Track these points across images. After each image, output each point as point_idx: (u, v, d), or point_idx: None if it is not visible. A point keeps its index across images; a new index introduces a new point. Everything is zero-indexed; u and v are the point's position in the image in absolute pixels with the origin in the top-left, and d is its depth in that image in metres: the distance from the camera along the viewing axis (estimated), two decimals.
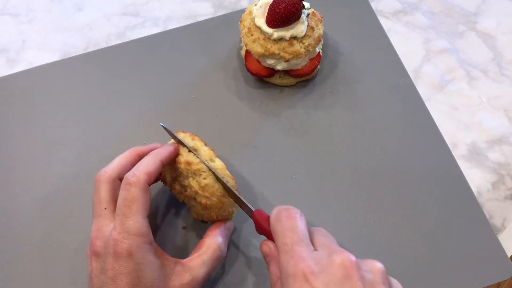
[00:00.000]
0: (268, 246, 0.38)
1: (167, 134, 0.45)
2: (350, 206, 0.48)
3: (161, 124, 0.44)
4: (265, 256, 0.38)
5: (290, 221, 0.35)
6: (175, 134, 0.43)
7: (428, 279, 0.45)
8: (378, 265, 0.33)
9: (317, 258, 0.33)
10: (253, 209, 0.40)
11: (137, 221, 0.36)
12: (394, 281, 0.34)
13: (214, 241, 0.41)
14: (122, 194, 0.37)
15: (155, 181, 0.44)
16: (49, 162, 0.51)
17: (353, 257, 0.32)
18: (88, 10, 0.65)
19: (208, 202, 0.40)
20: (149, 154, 0.40)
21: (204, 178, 0.40)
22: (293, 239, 0.34)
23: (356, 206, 0.48)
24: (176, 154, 0.41)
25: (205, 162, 0.40)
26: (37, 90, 0.56)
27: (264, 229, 0.39)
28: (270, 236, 0.38)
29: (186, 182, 0.41)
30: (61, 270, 0.46)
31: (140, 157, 0.42)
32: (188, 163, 0.40)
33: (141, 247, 0.35)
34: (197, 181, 0.40)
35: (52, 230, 0.48)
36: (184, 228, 0.47)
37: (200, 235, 0.44)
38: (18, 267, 0.46)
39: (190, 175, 0.40)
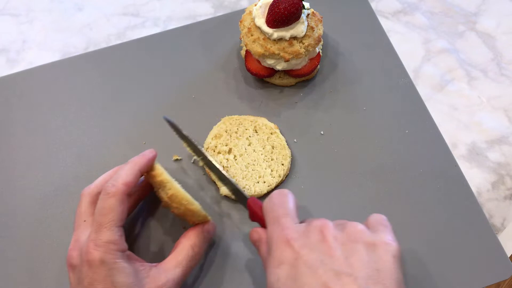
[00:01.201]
0: (257, 232, 0.40)
1: (166, 135, 0.45)
2: (350, 206, 0.48)
3: (165, 117, 0.46)
4: (254, 242, 0.41)
5: (280, 198, 0.39)
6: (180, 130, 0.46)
7: (428, 279, 0.45)
8: (356, 226, 0.36)
9: (299, 227, 0.36)
10: (247, 197, 0.43)
11: (110, 229, 0.37)
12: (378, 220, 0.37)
13: (187, 242, 0.42)
14: (99, 203, 0.38)
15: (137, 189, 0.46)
16: (49, 162, 0.51)
17: (329, 222, 0.36)
18: (88, 10, 0.65)
19: (178, 212, 0.41)
20: (127, 162, 0.41)
21: (169, 189, 0.41)
22: (280, 212, 0.37)
23: (356, 206, 0.48)
24: (153, 160, 0.42)
25: (200, 147, 0.44)
26: (37, 90, 0.56)
27: (258, 215, 0.41)
28: (262, 223, 0.41)
29: (158, 194, 0.42)
30: (60, 270, 0.46)
31: None
32: (152, 176, 0.41)
33: (112, 254, 0.36)
34: (165, 192, 0.41)
35: (52, 230, 0.48)
36: (184, 228, 0.47)
37: None
38: (18, 267, 0.46)
39: (157, 187, 0.42)
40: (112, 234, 0.37)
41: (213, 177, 0.48)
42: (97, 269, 0.36)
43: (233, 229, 0.48)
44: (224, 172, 0.45)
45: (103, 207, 0.38)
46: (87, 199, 0.41)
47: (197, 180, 0.50)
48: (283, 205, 0.38)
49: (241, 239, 0.47)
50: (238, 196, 0.44)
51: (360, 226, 0.36)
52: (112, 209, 0.37)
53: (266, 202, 0.40)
